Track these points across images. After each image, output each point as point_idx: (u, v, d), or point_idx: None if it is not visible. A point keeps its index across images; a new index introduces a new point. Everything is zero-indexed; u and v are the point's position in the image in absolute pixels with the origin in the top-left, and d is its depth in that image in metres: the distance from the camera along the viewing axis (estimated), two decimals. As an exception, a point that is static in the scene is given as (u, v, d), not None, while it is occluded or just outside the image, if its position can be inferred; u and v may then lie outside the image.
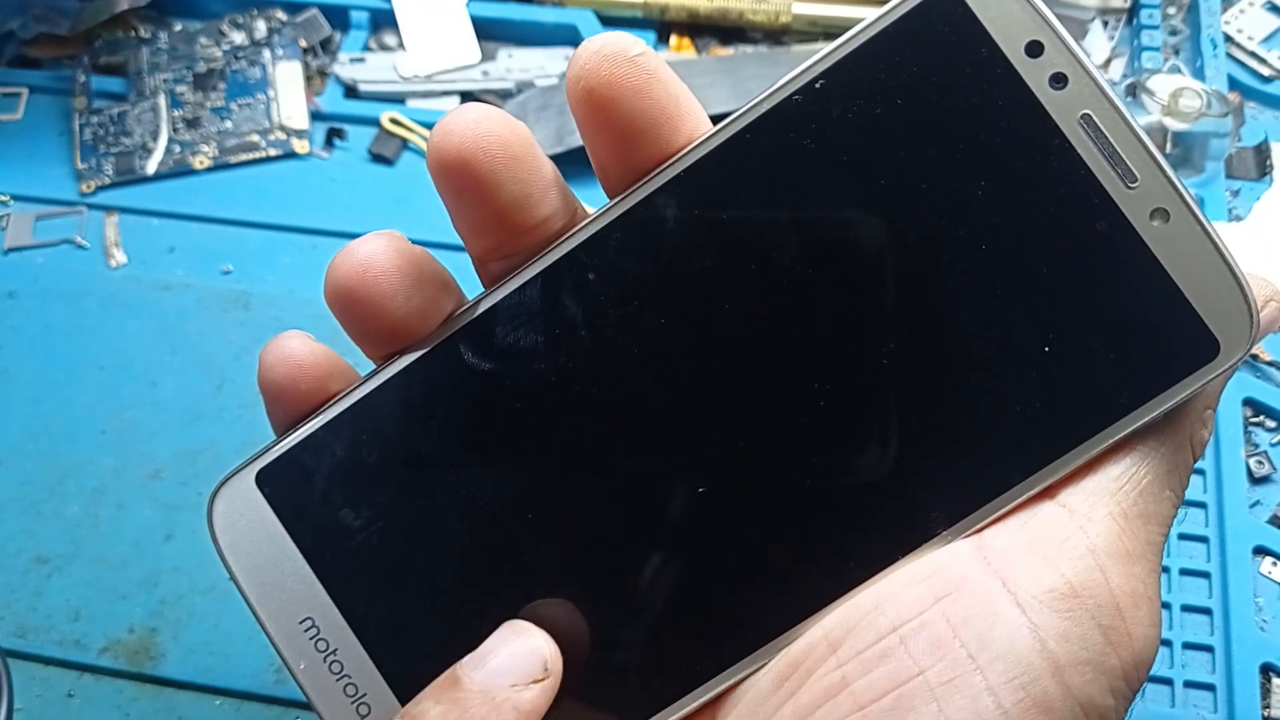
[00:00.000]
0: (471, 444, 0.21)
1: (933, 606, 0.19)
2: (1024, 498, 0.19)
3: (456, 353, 0.21)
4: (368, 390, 0.22)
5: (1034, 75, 0.19)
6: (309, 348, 0.22)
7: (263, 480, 0.22)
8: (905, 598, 0.19)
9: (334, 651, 0.21)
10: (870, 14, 0.19)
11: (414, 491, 0.22)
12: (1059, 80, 0.18)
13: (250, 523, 0.22)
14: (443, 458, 0.21)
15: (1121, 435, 0.19)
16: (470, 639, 0.21)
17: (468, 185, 0.20)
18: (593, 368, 0.21)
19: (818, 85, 0.19)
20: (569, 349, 0.21)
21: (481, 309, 0.21)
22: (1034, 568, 0.18)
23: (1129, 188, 0.18)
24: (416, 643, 0.21)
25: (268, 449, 0.22)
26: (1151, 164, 0.18)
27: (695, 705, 0.20)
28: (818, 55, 0.20)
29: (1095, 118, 0.18)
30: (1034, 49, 0.19)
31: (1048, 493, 0.19)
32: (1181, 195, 0.18)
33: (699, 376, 0.20)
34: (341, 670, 0.21)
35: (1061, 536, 0.19)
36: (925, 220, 0.19)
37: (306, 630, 0.21)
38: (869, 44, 0.19)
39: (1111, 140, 0.18)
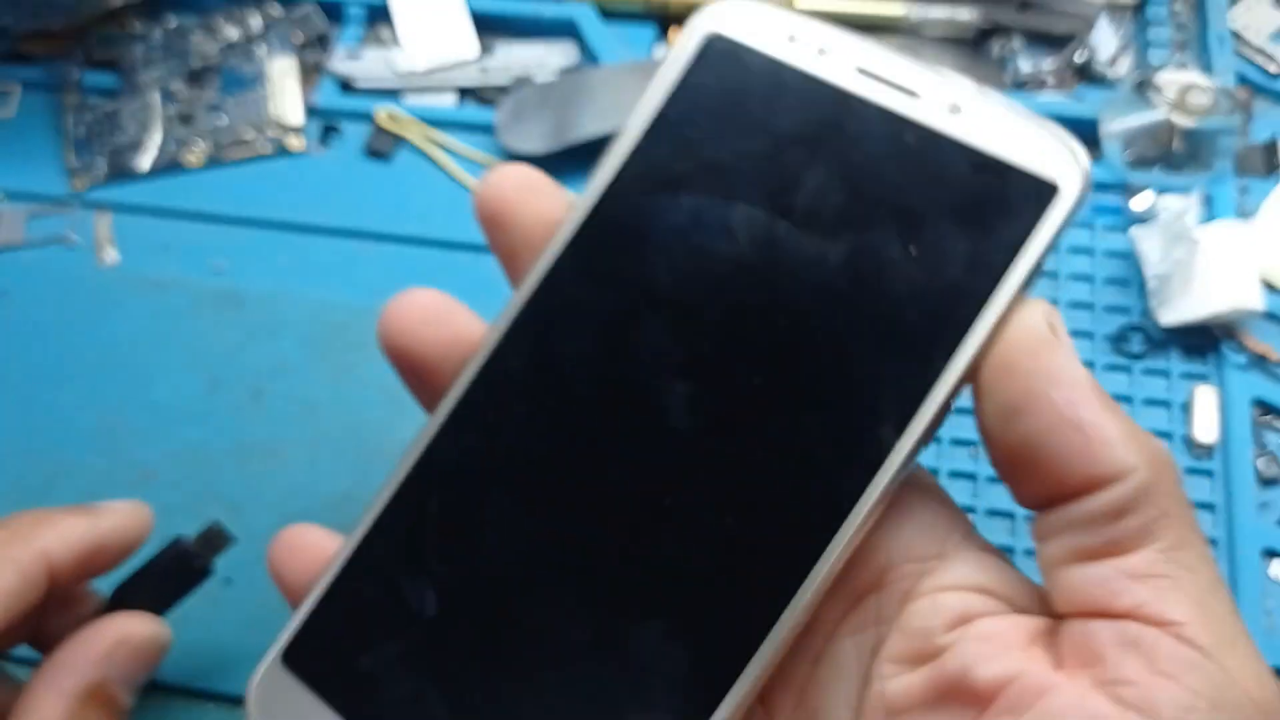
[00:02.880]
0: (476, 570, 0.23)
1: None
2: (957, 374, 0.20)
3: (432, 479, 0.23)
4: (361, 538, 0.23)
5: (802, 58, 0.22)
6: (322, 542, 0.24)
7: (289, 659, 0.23)
8: None
9: None
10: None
11: (430, 629, 0.22)
12: (823, 52, 0.22)
13: (286, 703, 0.23)
14: (453, 590, 0.22)
15: (1015, 290, 0.20)
16: None
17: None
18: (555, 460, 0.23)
19: (644, 140, 0.23)
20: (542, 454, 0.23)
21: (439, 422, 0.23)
22: (1167, 692, 0.18)
23: (916, 101, 0.21)
24: None
25: (286, 628, 0.23)
26: (924, 76, 0.21)
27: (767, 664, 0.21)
28: (634, 123, 0.23)
29: (865, 66, 0.22)
30: (792, 41, 0.23)
31: (1123, 615, 0.19)
32: (962, 86, 0.21)
33: (673, 360, 0.22)
34: None
35: (1166, 649, 0.18)
36: (787, 185, 0.22)
37: None
38: (675, 92, 0.23)
39: (884, 75, 0.22)
